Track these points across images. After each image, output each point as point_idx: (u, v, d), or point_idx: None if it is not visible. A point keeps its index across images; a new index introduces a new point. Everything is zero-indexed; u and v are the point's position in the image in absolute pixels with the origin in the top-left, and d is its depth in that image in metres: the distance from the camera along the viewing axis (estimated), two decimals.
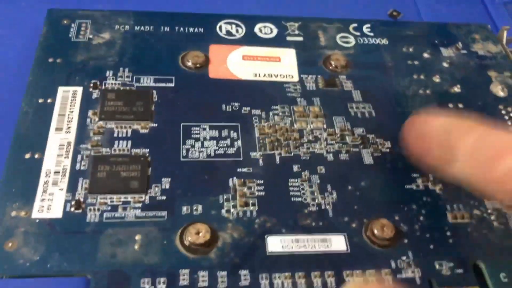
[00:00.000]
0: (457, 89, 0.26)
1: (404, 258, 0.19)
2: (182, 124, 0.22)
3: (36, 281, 0.19)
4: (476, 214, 0.21)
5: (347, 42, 0.27)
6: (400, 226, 0.20)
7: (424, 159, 0.20)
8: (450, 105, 0.25)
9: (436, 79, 0.26)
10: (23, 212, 0.19)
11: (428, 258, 0.20)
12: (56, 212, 0.19)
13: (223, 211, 0.20)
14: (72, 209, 0.19)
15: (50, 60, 0.24)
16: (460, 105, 0.25)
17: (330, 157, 0.22)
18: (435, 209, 0.21)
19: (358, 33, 0.28)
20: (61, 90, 0.23)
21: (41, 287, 0.20)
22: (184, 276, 0.18)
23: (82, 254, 0.18)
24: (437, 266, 0.19)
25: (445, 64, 0.27)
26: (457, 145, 0.18)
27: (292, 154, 0.22)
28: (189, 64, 0.25)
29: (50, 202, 0.19)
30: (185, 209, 0.20)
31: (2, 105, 0.25)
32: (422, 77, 0.26)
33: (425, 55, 0.27)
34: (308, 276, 0.19)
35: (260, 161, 0.22)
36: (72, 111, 0.22)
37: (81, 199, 0.19)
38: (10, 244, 0.18)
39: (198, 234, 0.19)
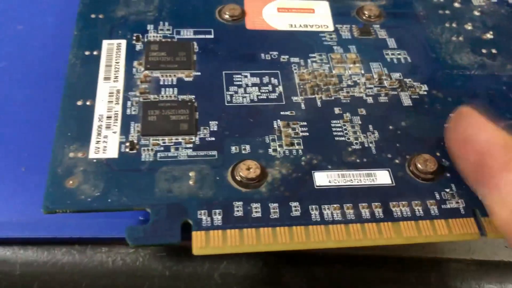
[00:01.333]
0: (489, 35, 0.26)
1: (447, 190, 0.20)
2: (224, 72, 0.23)
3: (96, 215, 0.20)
4: None
5: None
6: (442, 161, 0.21)
7: (458, 163, 0.19)
8: (484, 50, 0.25)
9: (468, 26, 0.27)
10: (80, 153, 0.20)
11: (471, 190, 0.20)
12: (112, 152, 0.20)
13: (270, 150, 0.21)
14: (127, 149, 0.20)
15: (93, 16, 0.25)
16: (494, 50, 0.26)
17: (369, 100, 0.23)
18: None
19: None
20: (105, 43, 0.24)
21: (100, 221, 0.21)
22: (238, 208, 0.19)
23: (140, 190, 0.19)
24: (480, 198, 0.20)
25: (476, 13, 0.27)
26: (493, 179, 0.17)
27: (333, 97, 0.23)
28: (226, 16, 0.25)
29: (105, 144, 0.20)
30: (234, 149, 0.21)
31: (50, 58, 0.26)
32: (454, 25, 0.27)
33: (456, 4, 0.28)
34: (356, 207, 0.19)
35: (302, 105, 0.22)
36: (118, 62, 0.23)
37: (135, 141, 0.20)
38: (70, 182, 0.19)
39: (249, 169, 0.20)
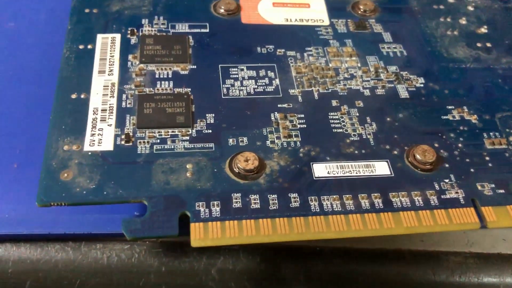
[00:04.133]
0: (484, 29, 0.26)
1: (446, 180, 0.20)
2: (220, 65, 0.23)
3: (91, 211, 0.20)
4: None
5: None
6: (440, 152, 0.21)
7: None
8: (479, 44, 0.26)
9: (463, 21, 0.27)
10: (75, 146, 0.19)
11: (470, 180, 0.20)
12: (107, 145, 0.20)
13: (268, 142, 0.20)
14: (123, 142, 0.20)
15: (87, 10, 0.24)
16: (488, 44, 0.26)
17: (366, 92, 0.23)
18: (473, 137, 0.22)
19: None
20: (100, 37, 0.23)
21: (95, 217, 0.20)
22: (236, 200, 0.19)
23: (137, 182, 0.19)
24: (479, 187, 0.20)
25: (470, 8, 0.27)
26: None
27: (330, 90, 0.23)
28: (222, 11, 0.25)
29: (100, 137, 0.20)
30: (231, 141, 0.20)
31: (43, 55, 0.25)
32: (448, 19, 0.27)
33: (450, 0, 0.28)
34: (355, 197, 0.19)
35: (299, 97, 0.22)
36: (113, 56, 0.23)
37: (131, 133, 0.20)
38: (65, 174, 0.19)
39: (247, 161, 0.19)
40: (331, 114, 0.22)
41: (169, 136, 0.20)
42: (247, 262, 0.21)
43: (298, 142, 0.20)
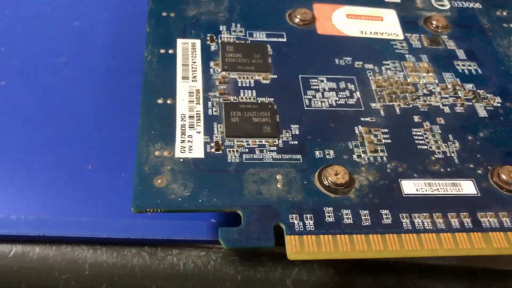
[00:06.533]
0: None
1: None
2: (300, 76, 0.23)
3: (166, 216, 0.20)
4: None
5: (442, 5, 0.28)
6: None
7: None
8: None
9: None
10: (166, 152, 0.19)
11: None
12: (198, 152, 0.20)
13: (355, 156, 0.20)
14: (213, 150, 0.20)
15: (164, 14, 0.24)
16: None
17: (446, 109, 0.23)
18: None
19: None
20: (180, 42, 0.23)
21: (171, 223, 0.21)
22: (329, 214, 0.19)
23: (229, 191, 0.19)
24: None
25: None
26: None
27: (411, 106, 0.23)
28: (297, 20, 0.25)
29: (190, 144, 0.20)
30: (317, 153, 0.20)
31: (109, 54, 0.25)
32: None
33: None
34: (445, 216, 0.19)
35: (381, 112, 0.22)
36: (195, 62, 0.23)
37: (220, 141, 0.20)
38: (159, 181, 0.19)
39: (337, 175, 0.19)
40: (414, 130, 0.22)
41: (256, 146, 0.20)
42: (322, 275, 0.21)
43: (384, 157, 0.20)
